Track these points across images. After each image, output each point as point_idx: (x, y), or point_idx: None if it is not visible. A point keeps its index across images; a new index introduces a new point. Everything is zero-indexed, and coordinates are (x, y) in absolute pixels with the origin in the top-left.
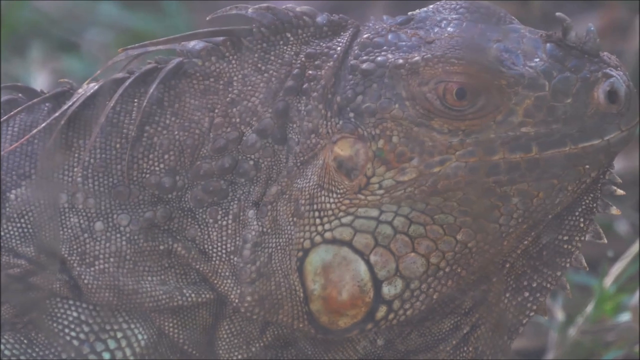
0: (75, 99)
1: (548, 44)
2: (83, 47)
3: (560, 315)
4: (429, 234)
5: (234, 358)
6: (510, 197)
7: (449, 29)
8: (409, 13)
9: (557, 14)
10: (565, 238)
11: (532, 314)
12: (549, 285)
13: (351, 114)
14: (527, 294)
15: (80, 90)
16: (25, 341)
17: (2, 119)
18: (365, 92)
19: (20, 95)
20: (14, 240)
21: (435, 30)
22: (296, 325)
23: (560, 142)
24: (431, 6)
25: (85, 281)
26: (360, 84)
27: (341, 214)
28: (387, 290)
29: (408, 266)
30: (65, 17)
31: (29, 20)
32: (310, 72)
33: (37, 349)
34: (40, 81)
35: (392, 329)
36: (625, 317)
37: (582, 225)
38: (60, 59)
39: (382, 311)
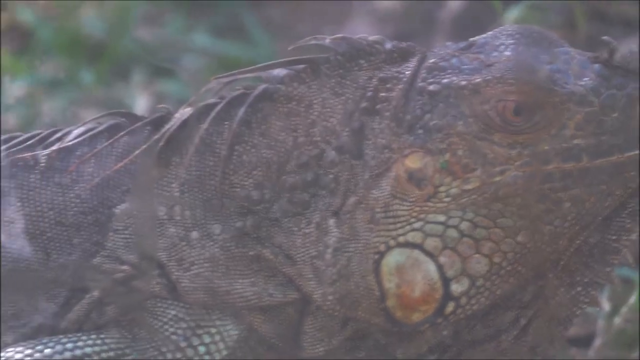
0: (172, 123)
1: (596, 65)
2: (178, 72)
3: (606, 305)
4: (492, 236)
5: (317, 350)
6: (563, 202)
7: (506, 52)
8: (470, 39)
9: (604, 37)
10: (614, 237)
11: (584, 306)
12: (599, 280)
13: (420, 131)
14: (579, 288)
15: (177, 115)
16: (129, 336)
17: (108, 142)
18: (433, 111)
19: (123, 119)
20: (119, 250)
21: (494, 54)
22: (373, 320)
23: (608, 152)
24: (490, 33)
25: (183, 284)
26: (428, 104)
27: (412, 219)
28: (455, 288)
29: (473, 266)
30: (162, 45)
31: (130, 49)
32: (382, 94)
33: (140, 343)
34: (141, 103)
35: (459, 321)
36: None
37: (628, 225)
38: (158, 83)
39: (450, 307)
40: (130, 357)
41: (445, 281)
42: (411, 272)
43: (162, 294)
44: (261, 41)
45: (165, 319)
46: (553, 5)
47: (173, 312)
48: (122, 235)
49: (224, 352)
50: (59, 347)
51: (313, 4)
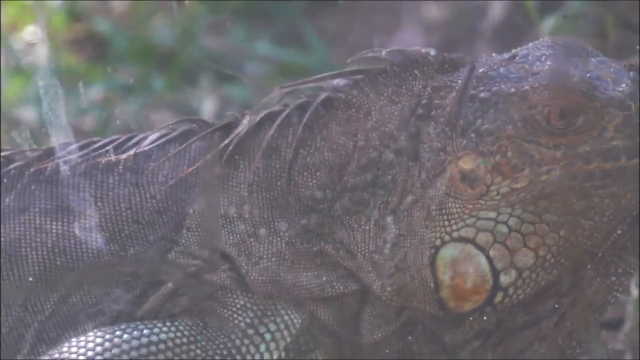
0: (240, 129)
1: (631, 72)
2: (242, 78)
3: (635, 292)
4: (538, 231)
5: (375, 336)
6: (603, 199)
7: (548, 62)
8: (513, 51)
9: (638, 47)
10: None
11: (617, 294)
12: (632, 271)
13: (472, 135)
14: (614, 278)
15: (244, 121)
16: (200, 324)
17: (181, 147)
18: (484, 117)
19: (194, 125)
20: (192, 246)
21: (537, 64)
22: (427, 309)
23: None
24: (530, 44)
25: (252, 277)
26: (479, 110)
27: (465, 216)
28: (504, 280)
29: (521, 259)
30: (227, 53)
31: (197, 57)
32: (436, 101)
33: (210, 330)
34: (207, 107)
35: (504, 310)
36: None
37: None
38: (223, 88)
39: (499, 297)
40: (201, 344)
41: (495, 273)
42: (464, 265)
43: (232, 286)
44: (317, 49)
45: (234, 309)
46: (585, 15)
47: (241, 302)
48: (195, 233)
49: (288, 340)
50: (136, 333)
51: (364, 14)
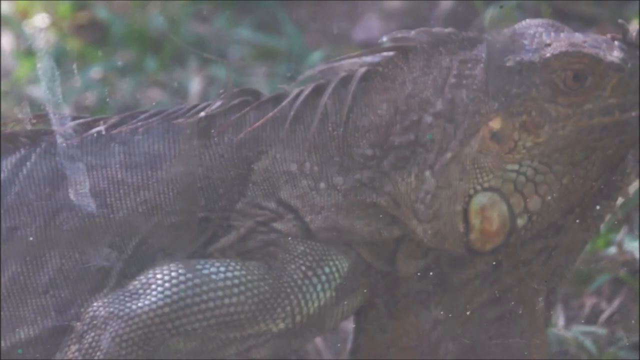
0: (293, 98)
1: (616, 42)
2: (221, 61)
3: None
4: (546, 180)
5: (408, 270)
6: (597, 150)
7: (544, 36)
8: (506, 30)
9: (619, 20)
10: (619, 178)
11: (593, 235)
12: (604, 214)
13: (502, 98)
14: (589, 220)
15: (294, 92)
16: (266, 266)
17: (241, 113)
18: (511, 82)
19: (249, 97)
20: (258, 198)
21: (543, 37)
22: (455, 250)
23: (632, 108)
24: (516, 26)
25: (315, 225)
26: (506, 77)
27: (494, 169)
28: (519, 223)
29: (532, 204)
30: (213, 37)
31: (186, 41)
32: (466, 72)
33: (274, 272)
34: (194, 86)
35: (511, 249)
36: (612, 250)
37: (629, 169)
38: (208, 69)
39: (513, 237)
40: (268, 282)
41: (513, 217)
42: (490, 211)
43: (296, 233)
44: (293, 35)
45: (295, 253)
46: (525, 5)
47: (302, 248)
48: (261, 187)
49: (338, 281)
50: (213, 268)
51: (331, 4)
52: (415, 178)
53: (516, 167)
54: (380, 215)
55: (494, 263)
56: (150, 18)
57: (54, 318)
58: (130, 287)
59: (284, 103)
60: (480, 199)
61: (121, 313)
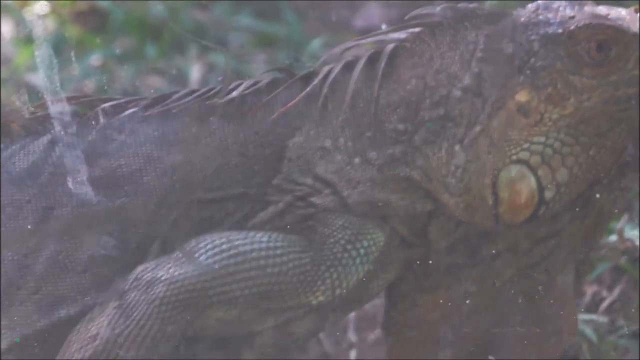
0: (324, 76)
1: (638, 14)
2: (220, 48)
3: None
4: (573, 152)
5: (440, 244)
6: (624, 121)
7: (568, 10)
8: (531, 4)
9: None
10: None
11: (620, 206)
12: (631, 185)
13: (528, 71)
14: (617, 192)
15: (324, 69)
16: (306, 240)
17: (277, 91)
18: (536, 55)
19: (282, 75)
20: (294, 175)
21: (566, 10)
22: (485, 223)
23: None
24: (533, 3)
25: (352, 199)
26: (531, 51)
27: (522, 142)
28: (547, 195)
29: (560, 176)
30: (212, 24)
31: (186, 28)
32: (493, 46)
33: (315, 245)
34: (194, 73)
35: (540, 221)
36: (613, 238)
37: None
38: (208, 56)
39: (542, 210)
40: (309, 255)
41: (541, 190)
42: (519, 183)
43: (334, 208)
44: (292, 21)
45: (334, 227)
46: None
47: (340, 222)
48: (296, 163)
49: (375, 254)
50: (256, 239)
51: None
52: (446, 152)
53: (543, 139)
54: (414, 189)
55: (523, 235)
56: (149, 5)
57: (94, 296)
58: (174, 255)
59: (315, 81)
60: (509, 172)
61: (164, 277)
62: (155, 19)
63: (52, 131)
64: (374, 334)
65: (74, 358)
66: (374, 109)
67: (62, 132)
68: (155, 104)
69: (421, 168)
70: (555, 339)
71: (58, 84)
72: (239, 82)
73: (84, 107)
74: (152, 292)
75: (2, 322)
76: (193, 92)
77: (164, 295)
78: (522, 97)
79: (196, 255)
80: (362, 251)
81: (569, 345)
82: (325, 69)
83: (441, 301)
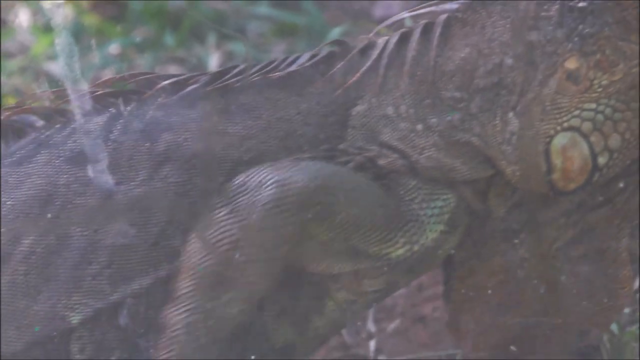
0: (382, 48)
1: None
2: (240, 36)
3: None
4: (625, 117)
5: (499, 210)
6: None
7: None
8: None
9: None
10: None
11: None
12: None
13: (576, 38)
14: None
15: (380, 41)
16: (384, 193)
17: (341, 64)
18: (584, 22)
19: (338, 47)
20: (359, 142)
21: None
22: (539, 189)
23: None
24: None
25: (420, 165)
26: (579, 18)
27: (572, 109)
28: (600, 161)
29: (613, 142)
30: (231, 12)
31: (205, 16)
32: (542, 14)
33: (393, 200)
34: (213, 61)
35: (594, 188)
36: None
37: None
38: (226, 45)
39: (596, 176)
40: (392, 203)
41: (594, 156)
42: (571, 150)
43: (405, 171)
44: (311, 10)
45: (408, 187)
46: None
47: (413, 183)
48: (360, 131)
49: (447, 216)
50: (353, 173)
51: None
52: (501, 120)
53: (594, 106)
54: (474, 155)
55: (578, 202)
56: None
57: (158, 270)
58: (281, 163)
59: (375, 52)
60: (561, 139)
61: (275, 179)
62: (174, 8)
63: (111, 110)
64: (394, 324)
65: (199, 269)
66: (431, 77)
67: (123, 110)
68: (216, 80)
69: (479, 135)
70: (610, 304)
71: (78, 72)
72: (296, 55)
73: (142, 85)
74: (264, 194)
75: (74, 297)
76: (252, 66)
77: (278, 197)
78: (571, 64)
79: (303, 165)
80: (436, 210)
81: (592, 335)
82: (381, 40)
83: (498, 268)
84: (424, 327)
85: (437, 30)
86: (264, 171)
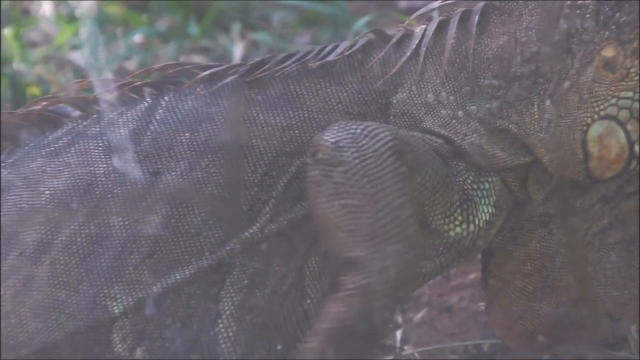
0: (420, 38)
1: None
2: (270, 25)
3: None
4: None
5: (538, 196)
6: None
7: None
8: None
9: None
10: None
11: None
12: None
13: (613, 26)
14: None
15: (418, 29)
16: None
17: (382, 53)
18: (620, 11)
19: (375, 37)
20: (402, 129)
21: None
22: (576, 177)
23: None
24: None
25: (465, 150)
26: (616, 6)
27: (609, 97)
28: (637, 149)
29: None
30: (256, 2)
31: (230, 4)
32: (579, 2)
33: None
34: (237, 51)
35: (632, 176)
36: None
37: None
38: (251, 35)
39: (633, 164)
40: (452, 181)
41: (631, 144)
42: (608, 138)
43: (451, 156)
44: (338, 1)
45: (458, 169)
46: None
47: (463, 165)
48: (401, 119)
49: (494, 198)
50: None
51: None
52: (538, 108)
53: (630, 94)
54: (512, 142)
55: (615, 189)
56: None
57: (208, 257)
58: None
59: (414, 41)
60: (598, 127)
61: (365, 132)
62: None
63: (151, 99)
64: (420, 314)
65: (331, 211)
66: (470, 64)
67: (161, 100)
68: (255, 70)
69: (517, 123)
70: None
71: (102, 61)
72: (334, 44)
73: (182, 75)
74: (366, 146)
75: (116, 287)
76: (290, 56)
77: (378, 146)
78: (607, 52)
79: (377, 127)
80: (485, 192)
81: (622, 326)
82: (418, 29)
83: (534, 253)
84: (450, 317)
85: (475, 18)
86: (344, 128)
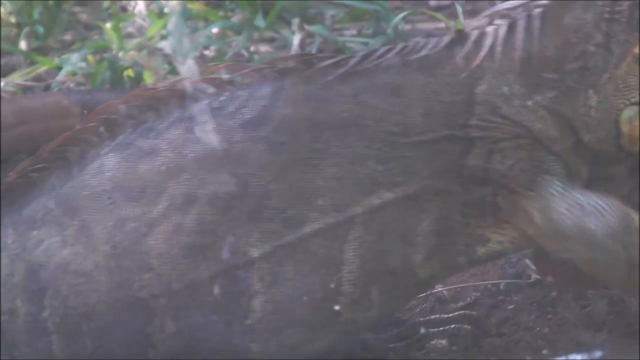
0: (495, 35)
1: None
2: (324, 19)
3: None
4: None
5: (582, 174)
6: None
7: None
8: None
9: None
10: None
11: None
12: None
13: None
14: None
15: (489, 31)
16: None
17: (465, 49)
18: None
19: (455, 36)
20: (486, 115)
21: None
22: (610, 150)
23: None
24: None
25: (534, 135)
26: None
27: (638, 87)
28: None
29: None
30: (313, 1)
31: (291, 3)
32: (617, 8)
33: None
34: (296, 41)
35: None
36: None
37: None
38: (309, 27)
39: None
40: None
41: None
42: (636, 120)
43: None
44: None
45: (517, 157)
46: None
47: (523, 154)
48: (484, 106)
49: (562, 171)
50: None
51: None
52: (584, 96)
53: None
54: (565, 125)
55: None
56: None
57: (333, 216)
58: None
59: (489, 40)
60: (629, 111)
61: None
62: None
63: (280, 82)
64: None
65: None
66: (536, 61)
67: (287, 83)
68: (363, 61)
69: (570, 109)
70: None
71: (186, 49)
72: (425, 40)
73: (301, 65)
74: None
75: (254, 236)
76: (391, 49)
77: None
78: (638, 50)
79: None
80: (560, 171)
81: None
82: (490, 29)
83: None
84: None
85: (537, 22)
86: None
